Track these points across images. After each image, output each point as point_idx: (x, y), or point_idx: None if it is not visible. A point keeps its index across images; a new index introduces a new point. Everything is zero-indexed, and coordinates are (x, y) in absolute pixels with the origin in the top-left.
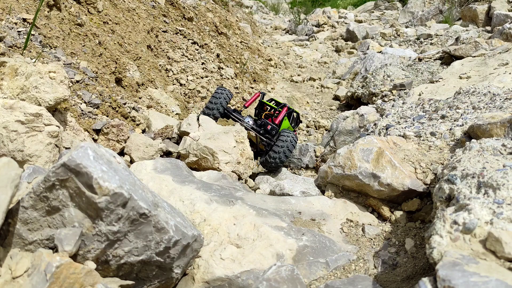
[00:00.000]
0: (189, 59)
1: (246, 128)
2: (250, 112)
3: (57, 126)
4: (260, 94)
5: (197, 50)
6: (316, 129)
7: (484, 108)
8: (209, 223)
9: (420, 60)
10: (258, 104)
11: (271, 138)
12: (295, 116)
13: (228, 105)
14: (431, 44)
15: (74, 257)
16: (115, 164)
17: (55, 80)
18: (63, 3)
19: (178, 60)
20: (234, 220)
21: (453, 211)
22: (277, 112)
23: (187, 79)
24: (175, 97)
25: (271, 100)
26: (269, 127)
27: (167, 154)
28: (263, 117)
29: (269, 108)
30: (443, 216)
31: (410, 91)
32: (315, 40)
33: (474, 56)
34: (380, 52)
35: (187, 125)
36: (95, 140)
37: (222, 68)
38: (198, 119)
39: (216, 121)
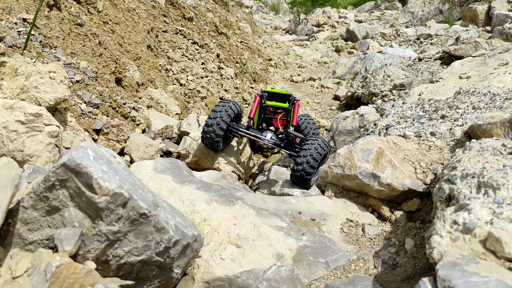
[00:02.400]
0: (189, 59)
1: (267, 146)
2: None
3: (57, 126)
4: (259, 97)
5: (197, 50)
6: None
7: (484, 108)
8: (209, 223)
9: (420, 60)
10: (260, 107)
11: (296, 150)
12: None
13: (231, 122)
14: (431, 44)
15: (74, 257)
16: (115, 164)
17: (55, 80)
18: (63, 3)
19: (178, 60)
20: (234, 220)
21: (453, 211)
22: (278, 111)
23: (187, 79)
24: (175, 97)
25: (270, 93)
26: (297, 140)
27: (167, 154)
28: (280, 124)
29: (272, 109)
30: (443, 216)
31: (410, 91)
32: (315, 40)
33: (474, 56)
34: (380, 52)
35: (187, 125)
36: (95, 140)
37: (222, 68)
38: (198, 120)
39: (218, 146)
